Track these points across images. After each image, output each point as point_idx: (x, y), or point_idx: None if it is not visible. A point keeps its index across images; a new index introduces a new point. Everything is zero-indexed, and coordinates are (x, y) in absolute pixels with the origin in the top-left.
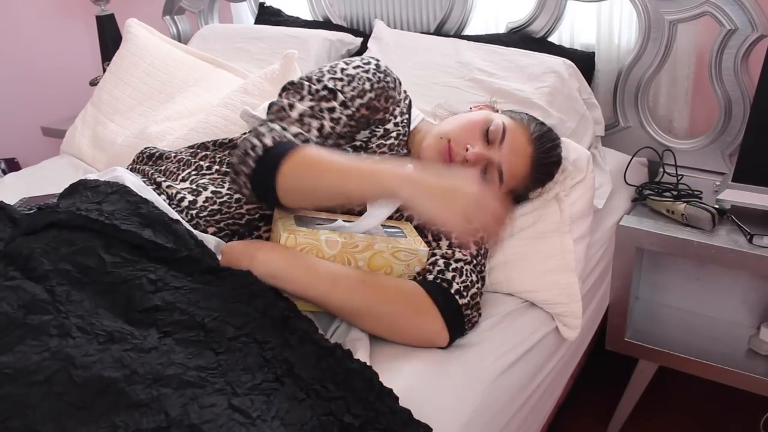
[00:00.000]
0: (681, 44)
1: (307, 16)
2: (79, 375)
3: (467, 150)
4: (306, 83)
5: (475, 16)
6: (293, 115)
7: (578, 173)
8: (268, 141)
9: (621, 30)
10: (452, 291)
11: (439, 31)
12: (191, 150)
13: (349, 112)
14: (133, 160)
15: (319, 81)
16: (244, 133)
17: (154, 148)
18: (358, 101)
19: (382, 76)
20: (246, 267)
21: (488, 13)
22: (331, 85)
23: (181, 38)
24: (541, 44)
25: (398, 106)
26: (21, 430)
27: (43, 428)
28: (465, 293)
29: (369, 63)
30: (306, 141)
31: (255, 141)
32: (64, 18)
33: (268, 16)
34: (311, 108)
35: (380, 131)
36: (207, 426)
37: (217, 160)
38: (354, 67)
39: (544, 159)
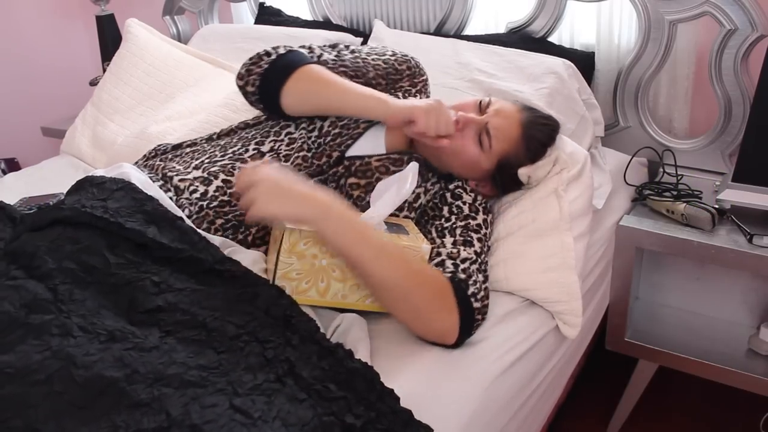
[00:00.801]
0: (681, 44)
1: (307, 16)
2: (80, 374)
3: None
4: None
5: (475, 16)
6: (306, 45)
7: (574, 164)
8: (282, 50)
9: (621, 30)
10: (468, 293)
11: (439, 31)
12: (207, 138)
13: (357, 56)
14: (145, 156)
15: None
16: None
17: (167, 144)
18: (374, 56)
19: (409, 56)
20: (301, 201)
21: (488, 13)
22: (351, 45)
23: (181, 38)
24: (541, 44)
25: (424, 93)
26: (22, 430)
27: (44, 428)
28: (478, 296)
29: (396, 49)
30: (317, 60)
31: (270, 49)
32: (64, 18)
33: (268, 16)
34: (321, 47)
35: None
36: (208, 426)
37: (232, 143)
38: (382, 47)
39: (535, 123)
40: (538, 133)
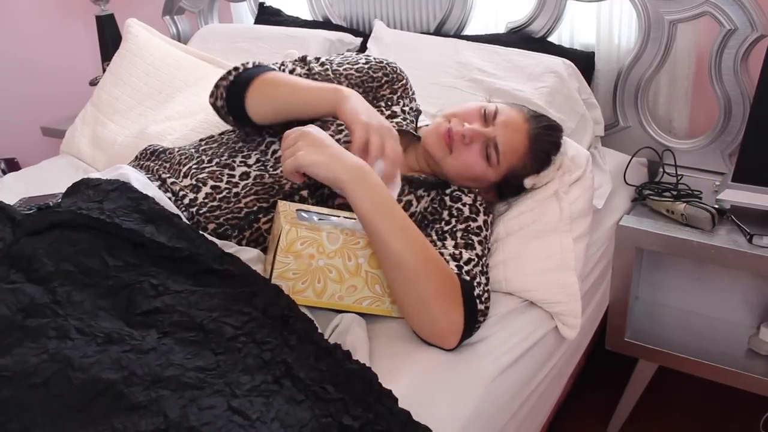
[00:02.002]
0: (681, 44)
1: (306, 16)
2: (78, 377)
3: (464, 126)
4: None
5: (474, 16)
6: (277, 62)
7: (576, 169)
8: (249, 65)
9: (621, 30)
10: (474, 294)
11: (439, 31)
12: (195, 144)
13: (328, 69)
14: (136, 157)
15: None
16: None
17: (158, 145)
18: (346, 65)
19: (384, 62)
20: (340, 159)
21: (488, 13)
22: (323, 58)
23: (181, 38)
24: (541, 44)
25: (406, 97)
26: None
27: (41, 431)
28: (482, 298)
29: (371, 55)
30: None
31: (239, 65)
32: (64, 18)
33: (267, 16)
34: (294, 62)
35: (388, 112)
36: (206, 428)
37: (219, 152)
38: (356, 53)
39: (542, 135)
40: (546, 146)
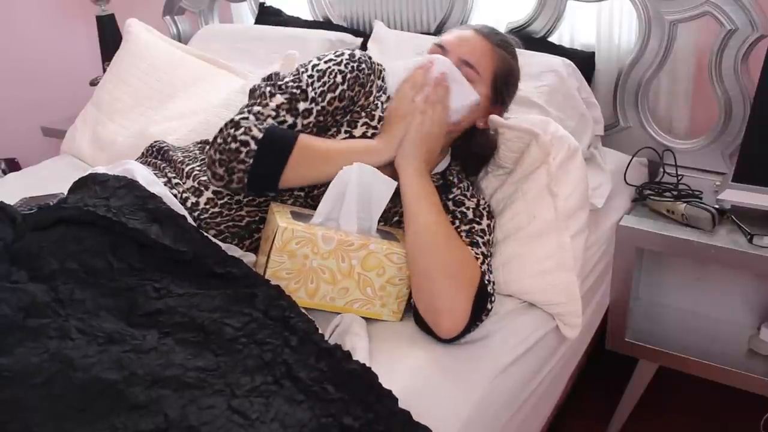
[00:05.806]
0: (681, 44)
1: (307, 16)
2: (78, 377)
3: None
4: (284, 80)
5: (475, 16)
6: (271, 105)
7: (561, 147)
8: (255, 131)
9: (621, 30)
10: (488, 290)
11: (439, 32)
12: (200, 144)
13: (319, 107)
14: (143, 153)
15: (294, 81)
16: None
17: (164, 142)
18: (329, 95)
19: (355, 65)
20: (426, 149)
21: (488, 13)
22: (304, 85)
23: (181, 38)
24: (542, 44)
25: (383, 93)
26: None
27: (42, 431)
28: (491, 298)
29: (342, 55)
30: (292, 127)
31: (241, 135)
32: (64, 18)
33: (268, 16)
34: (288, 101)
35: (375, 114)
36: (206, 428)
37: None
38: (326, 62)
39: (497, 36)
40: (504, 36)
